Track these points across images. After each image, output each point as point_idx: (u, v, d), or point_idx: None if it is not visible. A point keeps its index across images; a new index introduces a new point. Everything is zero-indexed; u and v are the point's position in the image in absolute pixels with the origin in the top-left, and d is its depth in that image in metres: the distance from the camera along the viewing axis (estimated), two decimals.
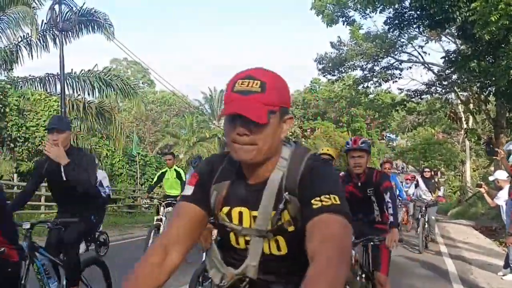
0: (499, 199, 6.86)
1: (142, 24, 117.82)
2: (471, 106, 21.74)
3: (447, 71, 19.16)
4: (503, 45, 12.76)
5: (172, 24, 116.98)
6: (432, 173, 11.25)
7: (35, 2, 16.27)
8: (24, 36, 16.35)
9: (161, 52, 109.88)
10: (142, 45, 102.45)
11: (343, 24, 20.73)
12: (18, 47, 16.43)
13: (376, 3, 16.83)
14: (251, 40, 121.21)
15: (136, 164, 21.39)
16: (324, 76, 24.71)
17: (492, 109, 19.91)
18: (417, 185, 10.61)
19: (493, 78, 13.38)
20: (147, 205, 20.10)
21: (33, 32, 15.47)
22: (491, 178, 7.68)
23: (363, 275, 3.89)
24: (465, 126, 25.93)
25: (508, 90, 13.27)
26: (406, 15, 16.50)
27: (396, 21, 16.58)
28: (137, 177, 21.44)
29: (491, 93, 15.31)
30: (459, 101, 23.95)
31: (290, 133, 51.41)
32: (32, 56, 16.56)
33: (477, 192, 19.74)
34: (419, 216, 10.01)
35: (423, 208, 10.04)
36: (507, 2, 11.22)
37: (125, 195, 19.46)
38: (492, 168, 19.46)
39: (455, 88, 20.39)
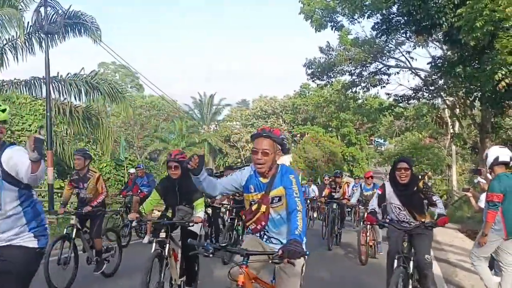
0: (481, 201, 6.89)
1: (131, 28, 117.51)
2: (457, 111, 21.95)
3: (433, 76, 19.35)
4: (488, 51, 12.92)
5: (161, 29, 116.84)
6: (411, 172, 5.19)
7: (21, 5, 16.11)
8: (9, 38, 16.18)
9: (150, 56, 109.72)
10: (131, 49, 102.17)
11: (332, 29, 20.84)
12: (3, 50, 16.25)
13: (364, 8, 16.98)
14: (241, 44, 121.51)
15: (124, 168, 21.26)
16: (313, 81, 24.79)
17: (477, 114, 20.11)
18: (382, 198, 5.27)
19: (478, 83, 13.53)
20: None
21: (20, 35, 15.30)
22: (475, 181, 7.73)
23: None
24: (451, 131, 26.18)
25: (493, 95, 13.41)
26: (394, 20, 16.66)
27: (384, 27, 16.72)
28: (124, 182, 21.30)
29: (477, 98, 15.48)
30: (445, 106, 24.17)
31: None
32: (17, 59, 16.37)
33: (463, 196, 19.91)
34: (400, 263, 4.92)
35: (405, 241, 5.01)
36: (491, 9, 11.37)
37: (112, 200, 19.32)
38: None
39: (442, 93, 20.58)
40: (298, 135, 50.47)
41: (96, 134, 18.46)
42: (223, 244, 3.34)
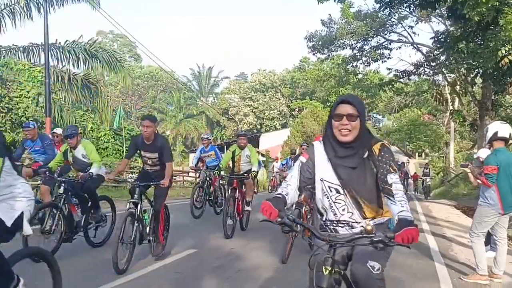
0: None
1: None
2: (458, 88, 21.87)
3: (435, 52, 19.19)
4: (492, 27, 12.77)
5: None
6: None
7: None
8: (7, 3, 15.92)
9: (149, 26, 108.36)
10: (129, 18, 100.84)
11: (334, 1, 20.55)
12: (1, 15, 16.00)
13: None
14: (241, 17, 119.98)
15: (122, 138, 21.23)
16: (313, 54, 24.61)
17: (477, 91, 20.06)
18: (309, 169, 2.80)
19: (481, 60, 13.42)
20: (132, 179, 19.99)
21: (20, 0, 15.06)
22: (475, 156, 7.76)
23: None
24: (451, 107, 26.16)
25: (495, 72, 13.33)
26: None
27: (387, 0, 16.50)
28: (123, 151, 21.30)
29: (478, 74, 15.38)
30: (446, 83, 24.06)
31: (278, 112, 51.48)
32: (15, 24, 16.15)
33: (460, 173, 20.04)
34: None
35: (328, 261, 2.51)
36: None
37: (110, 169, 19.37)
38: (475, 150, 19.73)
39: (443, 69, 20.44)
40: (297, 109, 50.34)
41: (95, 103, 18.39)
42: None
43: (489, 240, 6.72)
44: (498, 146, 5.52)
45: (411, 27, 21.67)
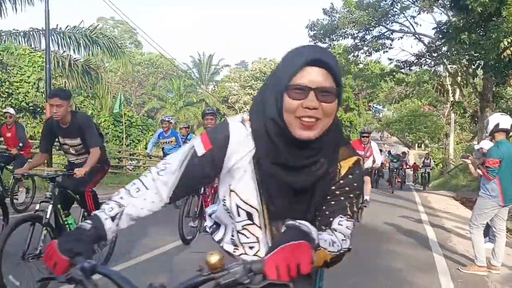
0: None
1: None
2: (459, 79, 21.83)
3: (437, 42, 19.13)
4: (494, 18, 12.72)
5: None
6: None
7: None
8: None
9: (149, 15, 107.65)
10: (130, 6, 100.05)
11: None
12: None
13: None
14: (241, 6, 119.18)
15: (122, 124, 21.19)
16: (315, 43, 24.45)
17: (479, 83, 20.02)
18: (207, 166, 1.38)
19: (483, 51, 13.39)
20: (132, 166, 20.05)
21: None
22: (476, 147, 7.76)
23: None
24: (451, 99, 26.12)
25: (496, 63, 13.31)
26: None
27: None
28: (122, 138, 21.27)
29: (480, 66, 15.35)
30: (447, 74, 23.99)
31: None
32: (16, 9, 16.03)
33: (460, 164, 20.07)
34: None
35: None
36: None
37: (110, 156, 19.40)
38: (475, 142, 19.74)
39: (444, 60, 20.38)
40: None
41: (95, 89, 18.35)
42: None
43: (488, 232, 6.75)
44: (500, 138, 5.51)
45: (413, 17, 21.56)
